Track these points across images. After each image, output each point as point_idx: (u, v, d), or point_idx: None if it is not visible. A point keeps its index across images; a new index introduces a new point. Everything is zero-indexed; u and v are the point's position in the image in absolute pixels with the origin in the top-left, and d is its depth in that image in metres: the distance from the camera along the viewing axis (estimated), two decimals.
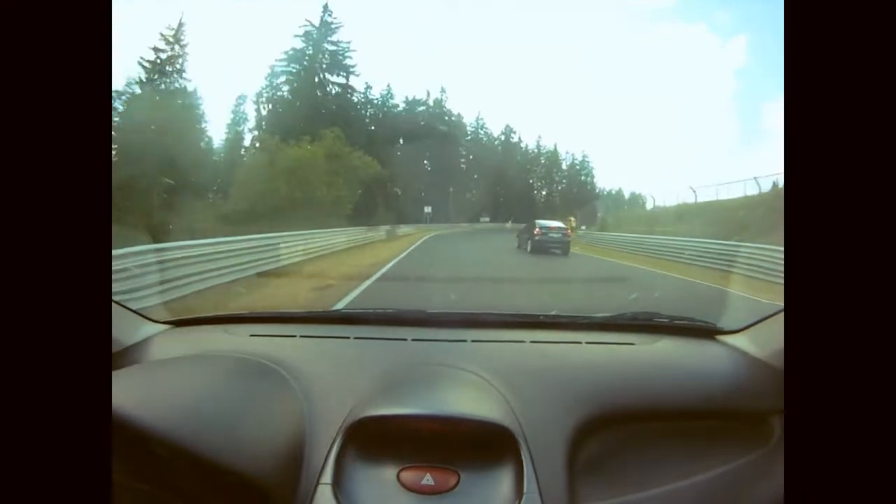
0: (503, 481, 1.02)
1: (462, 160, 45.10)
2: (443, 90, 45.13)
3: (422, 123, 40.74)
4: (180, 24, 22.73)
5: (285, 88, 32.58)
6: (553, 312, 1.74)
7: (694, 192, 25.80)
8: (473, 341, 1.50)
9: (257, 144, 26.72)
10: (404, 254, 15.27)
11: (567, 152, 51.40)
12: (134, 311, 1.57)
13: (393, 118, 39.58)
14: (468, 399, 1.18)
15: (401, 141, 38.90)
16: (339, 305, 6.63)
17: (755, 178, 20.79)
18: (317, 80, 33.39)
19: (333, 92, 34.45)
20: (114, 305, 1.38)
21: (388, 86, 40.45)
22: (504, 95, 73.35)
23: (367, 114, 37.98)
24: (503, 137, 49.77)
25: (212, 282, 8.00)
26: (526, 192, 47.91)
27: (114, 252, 5.56)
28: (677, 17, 55.47)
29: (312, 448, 1.06)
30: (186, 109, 21.50)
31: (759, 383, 1.31)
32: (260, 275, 9.42)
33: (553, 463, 1.06)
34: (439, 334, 1.55)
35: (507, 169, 45.72)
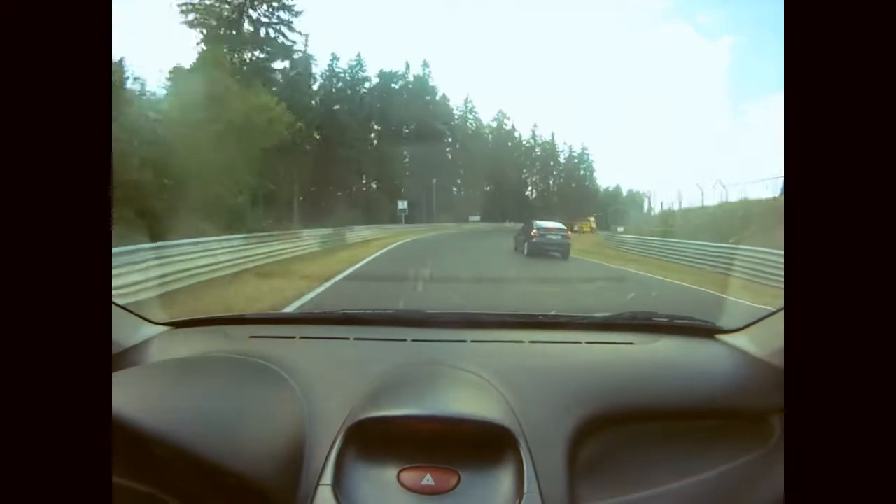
0: (503, 481, 1.02)
1: (447, 148, 39.50)
2: (425, 65, 38.86)
3: (399, 101, 35.87)
4: None
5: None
6: (553, 312, 1.74)
7: (724, 188, 21.95)
8: (473, 341, 1.50)
9: None
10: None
11: (565, 143, 46.17)
12: (133, 313, 1.57)
13: (362, 94, 34.72)
14: (468, 399, 1.18)
15: (373, 123, 34.54)
16: None
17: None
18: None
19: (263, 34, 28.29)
20: (113, 307, 1.37)
21: (359, 55, 35.39)
22: (496, 78, 67.64)
23: (333, 87, 33.53)
24: (495, 125, 44.42)
25: None
26: (520, 187, 43.27)
27: None
28: (676, 14, 54.82)
29: (312, 449, 1.06)
30: None
31: (759, 382, 1.31)
32: None
33: (553, 463, 1.06)
34: (439, 335, 1.55)
35: (499, 160, 40.32)
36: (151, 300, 6.61)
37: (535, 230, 15.67)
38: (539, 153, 45.45)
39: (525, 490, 0.98)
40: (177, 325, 1.66)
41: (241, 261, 10.49)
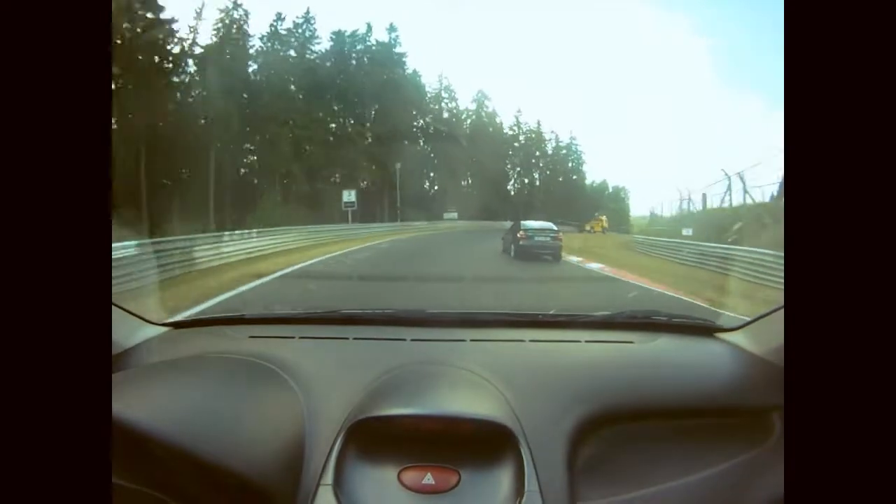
0: (504, 480, 1.03)
1: (416, 129, 34.15)
2: (392, 29, 32.81)
3: (359, 71, 30.35)
4: None
5: None
6: (552, 311, 1.74)
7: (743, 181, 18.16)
8: (472, 341, 1.50)
9: None
10: None
11: (552, 132, 40.84)
12: (133, 314, 1.57)
13: (310, 61, 29.02)
14: (468, 398, 1.18)
15: (328, 97, 28.90)
16: None
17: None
18: None
19: None
20: (113, 308, 1.37)
21: (308, 11, 29.55)
22: (476, 53, 62.19)
23: (282, 50, 27.90)
24: (474, 107, 38.88)
25: None
26: (501, 180, 38.08)
27: None
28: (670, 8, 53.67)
29: (313, 449, 1.06)
30: None
31: (759, 380, 1.31)
32: None
33: (553, 461, 1.06)
34: (438, 334, 1.55)
35: (478, 149, 35.19)
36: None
37: (521, 231, 14.50)
38: (523, 141, 40.45)
39: (525, 488, 0.99)
40: (176, 325, 1.66)
41: None
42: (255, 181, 26.99)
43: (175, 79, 22.76)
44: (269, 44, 28.34)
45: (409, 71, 34.34)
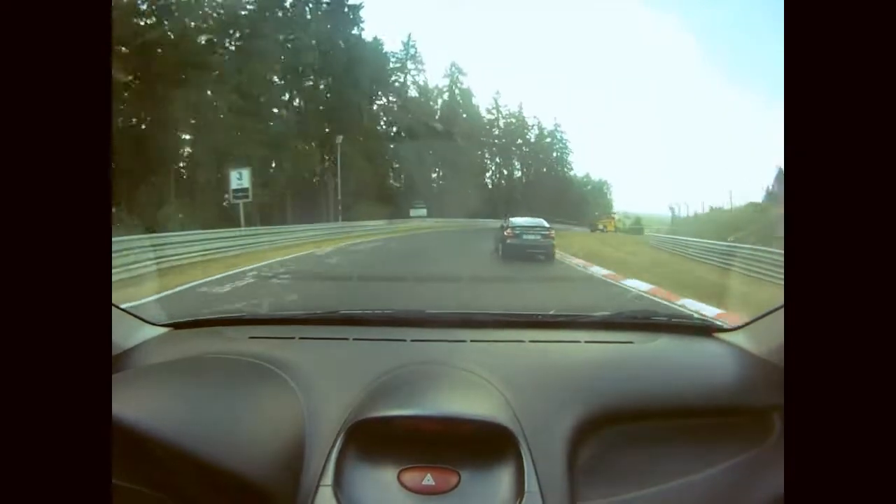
0: (504, 480, 1.03)
1: (377, 107, 28.59)
2: None
3: (296, 24, 23.27)
4: None
5: None
6: (552, 312, 1.74)
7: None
8: (472, 341, 1.50)
9: None
10: None
11: (534, 117, 35.47)
12: (133, 315, 1.57)
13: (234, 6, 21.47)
14: (468, 399, 1.18)
15: (248, 51, 21.13)
16: None
17: None
18: None
19: None
20: (112, 309, 1.36)
21: None
22: (450, 20, 54.40)
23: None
24: (447, 83, 32.90)
25: None
26: (478, 170, 33.07)
27: None
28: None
29: (313, 450, 1.06)
30: None
31: (759, 380, 1.32)
32: None
33: (553, 462, 1.06)
34: (438, 335, 1.54)
35: (451, 133, 29.41)
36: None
37: (508, 229, 13.27)
38: (503, 127, 35.32)
39: (525, 489, 0.99)
40: (176, 326, 1.66)
41: None
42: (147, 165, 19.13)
43: None
44: None
45: (371, 38, 27.87)
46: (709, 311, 6.41)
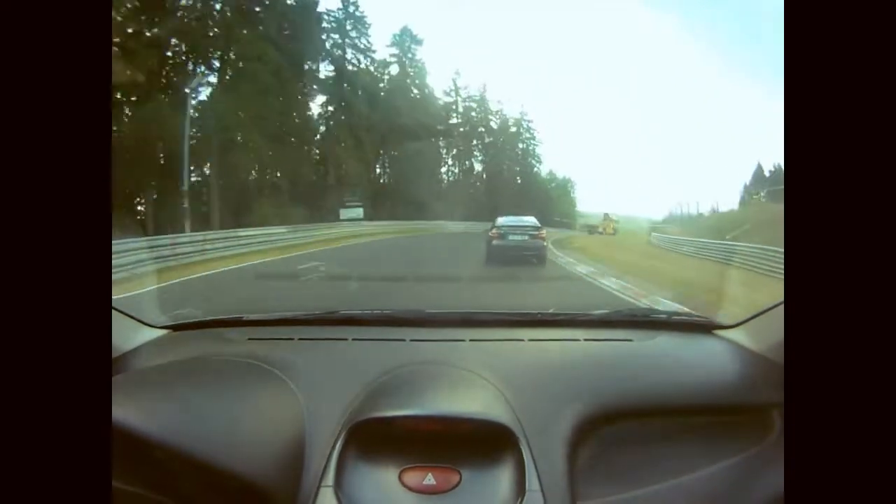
0: (505, 479, 1.03)
1: (299, 80, 21.48)
2: None
3: None
4: None
5: None
6: (551, 310, 1.74)
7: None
8: (472, 340, 1.50)
9: None
10: None
11: (499, 103, 30.96)
12: (132, 317, 1.56)
13: None
14: (468, 398, 1.19)
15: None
16: None
17: None
18: None
19: None
20: (112, 311, 1.36)
21: None
22: None
23: None
24: (395, 52, 26.81)
25: None
26: (433, 162, 27.74)
27: None
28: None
29: (313, 450, 1.06)
30: None
31: (758, 377, 1.32)
32: None
33: (554, 460, 1.06)
34: (438, 334, 1.55)
35: (399, 113, 24.24)
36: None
37: (494, 230, 12.08)
38: (462, 111, 30.14)
39: (526, 488, 0.99)
40: (175, 328, 1.66)
41: None
42: None
43: None
44: None
45: None
46: None
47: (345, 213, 19.85)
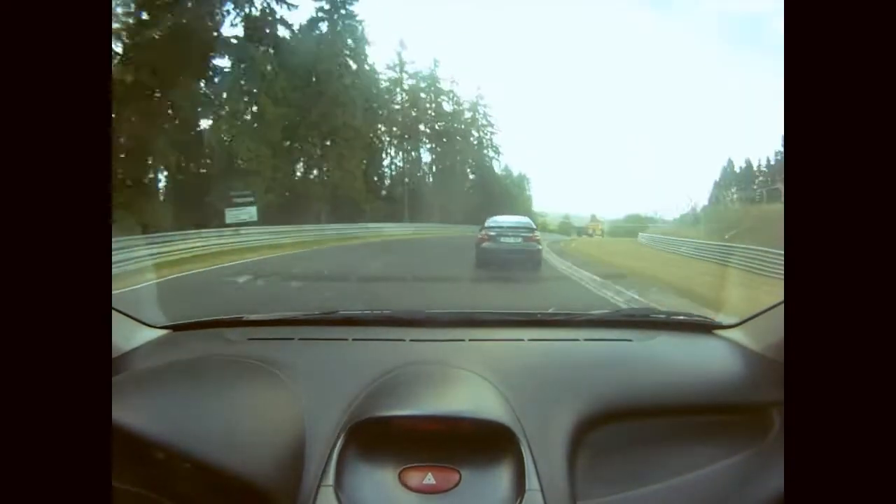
0: (504, 479, 1.03)
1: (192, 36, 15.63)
2: None
3: None
4: None
5: None
6: (550, 310, 1.75)
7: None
8: (472, 340, 1.50)
9: None
10: None
11: (452, 82, 26.68)
12: (131, 317, 1.56)
13: None
14: (468, 398, 1.19)
15: None
16: None
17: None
18: None
19: None
20: (112, 311, 1.36)
21: None
22: None
23: None
24: (327, 7, 21.18)
25: None
26: (372, 150, 22.82)
27: None
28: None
29: (313, 450, 1.06)
30: None
31: (758, 377, 1.33)
32: None
33: (554, 460, 1.07)
34: (437, 334, 1.54)
35: (327, 87, 18.97)
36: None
37: (483, 231, 11.25)
38: (407, 90, 25.12)
39: (526, 487, 0.99)
40: (175, 328, 1.66)
41: None
42: None
43: None
44: None
45: None
46: None
47: (232, 215, 14.81)
